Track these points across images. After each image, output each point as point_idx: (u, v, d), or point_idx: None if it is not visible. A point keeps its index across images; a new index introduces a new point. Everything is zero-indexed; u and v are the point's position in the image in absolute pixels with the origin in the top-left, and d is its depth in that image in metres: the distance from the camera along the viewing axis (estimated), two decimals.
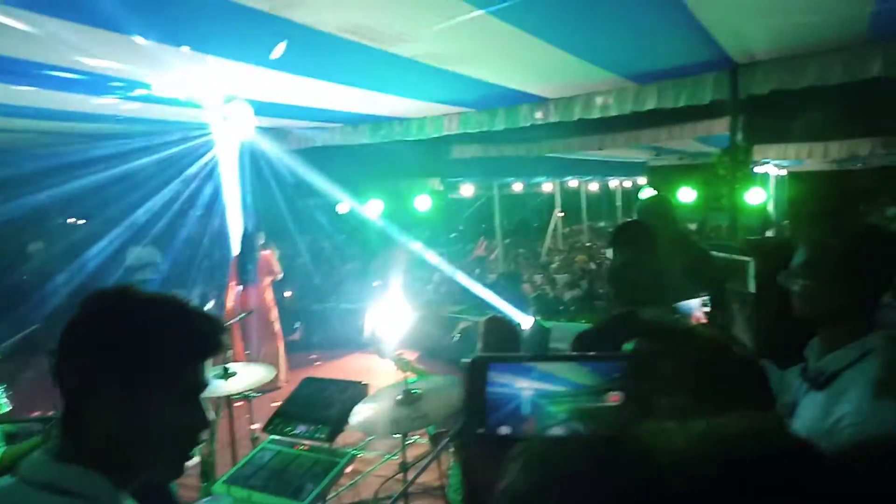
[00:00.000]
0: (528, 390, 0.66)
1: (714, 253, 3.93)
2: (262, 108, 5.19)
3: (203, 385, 0.95)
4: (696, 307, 1.88)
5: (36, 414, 3.88)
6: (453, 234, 16.26)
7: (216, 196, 6.86)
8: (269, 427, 2.88)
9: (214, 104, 4.86)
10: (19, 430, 3.68)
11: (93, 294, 0.95)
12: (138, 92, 4.50)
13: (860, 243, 1.49)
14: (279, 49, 3.55)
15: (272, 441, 2.70)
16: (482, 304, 8.85)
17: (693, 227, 10.27)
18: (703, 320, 1.79)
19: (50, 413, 3.24)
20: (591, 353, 0.69)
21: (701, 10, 3.26)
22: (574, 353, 0.70)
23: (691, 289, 2.41)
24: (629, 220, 3.07)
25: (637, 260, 2.45)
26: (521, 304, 8.54)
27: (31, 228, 8.63)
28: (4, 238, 7.26)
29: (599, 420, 0.47)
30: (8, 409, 3.48)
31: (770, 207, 10.93)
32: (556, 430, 0.47)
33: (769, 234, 8.55)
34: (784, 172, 12.70)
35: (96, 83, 4.21)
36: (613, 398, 0.63)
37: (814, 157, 8.63)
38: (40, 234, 9.59)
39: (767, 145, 8.45)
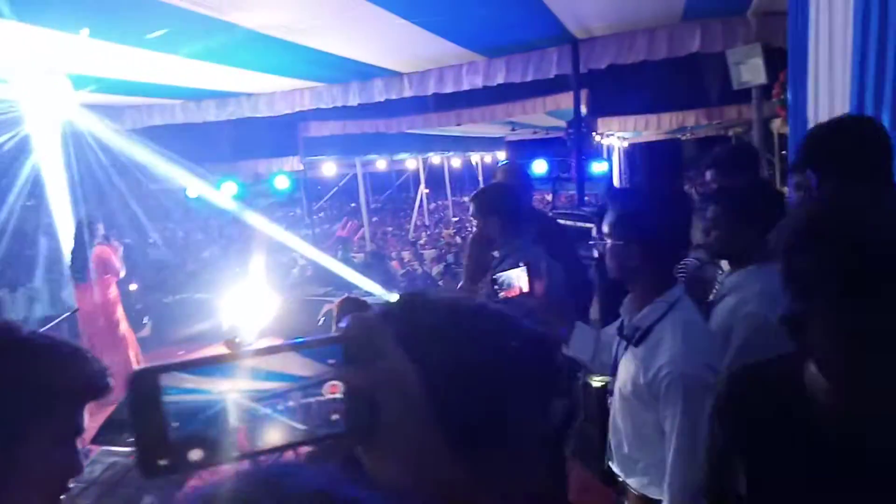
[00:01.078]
0: (231, 393, 0.53)
1: (561, 221, 4.13)
2: (85, 82, 4.64)
3: (80, 430, 0.91)
4: (516, 277, 1.89)
5: None
6: (318, 216, 15.85)
7: (38, 185, 6.09)
8: (100, 438, 2.60)
9: (23, 78, 4.25)
10: None
11: None
12: None
13: (640, 206, 1.59)
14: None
15: (104, 453, 2.44)
16: (348, 286, 8.75)
17: (548, 197, 10.80)
18: (524, 290, 1.82)
19: None
20: (292, 342, 0.57)
21: None
22: (273, 345, 0.55)
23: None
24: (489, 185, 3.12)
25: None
26: (389, 281, 8.56)
27: None
28: None
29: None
30: None
31: (615, 176, 11.76)
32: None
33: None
34: (625, 144, 13.72)
35: None
36: (332, 389, 0.54)
37: (650, 129, 9.39)
38: None
39: (610, 118, 9.05)
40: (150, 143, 6.47)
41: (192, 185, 8.55)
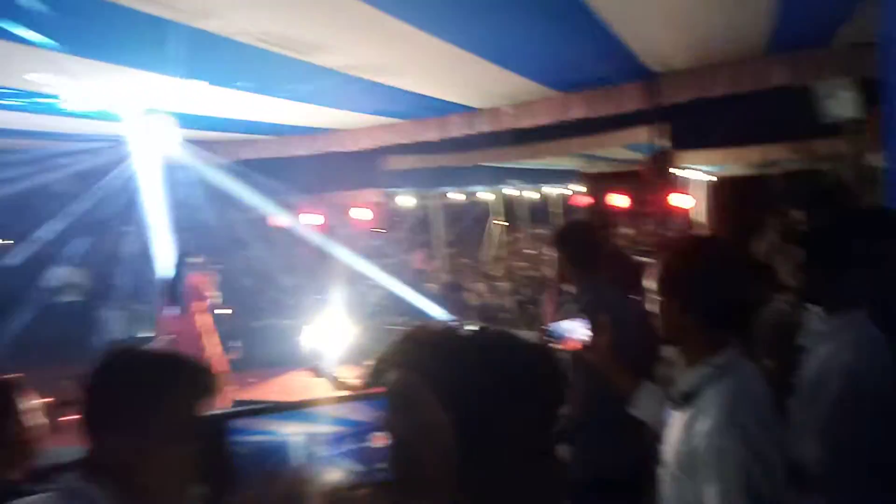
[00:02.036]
0: (294, 436, 0.58)
1: (640, 259, 4.02)
2: (186, 121, 5.01)
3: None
4: (577, 329, 1.72)
5: None
6: (395, 246, 16.17)
7: (140, 213, 6.56)
8: None
9: (133, 117, 4.65)
10: None
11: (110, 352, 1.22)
12: (47, 103, 4.27)
13: (679, 262, 1.46)
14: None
15: None
16: (424, 316, 8.83)
17: (629, 232, 10.54)
18: (581, 344, 1.68)
19: None
20: (345, 395, 0.61)
21: (615, 24, 3.36)
22: (324, 398, 0.61)
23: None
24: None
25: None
26: (463, 312, 8.57)
27: None
28: None
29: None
30: None
31: (696, 212, 11.34)
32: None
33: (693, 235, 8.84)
34: (708, 178, 13.23)
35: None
36: (376, 440, 0.57)
37: (733, 162, 9.03)
38: None
39: (691, 151, 8.77)
40: (239, 175, 6.87)
41: (277, 215, 8.98)
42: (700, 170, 11.65)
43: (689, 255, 1.49)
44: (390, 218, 14.97)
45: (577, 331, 1.73)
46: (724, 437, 1.29)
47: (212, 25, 2.94)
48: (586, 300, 2.31)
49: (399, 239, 17.26)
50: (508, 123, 5.25)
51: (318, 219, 9.15)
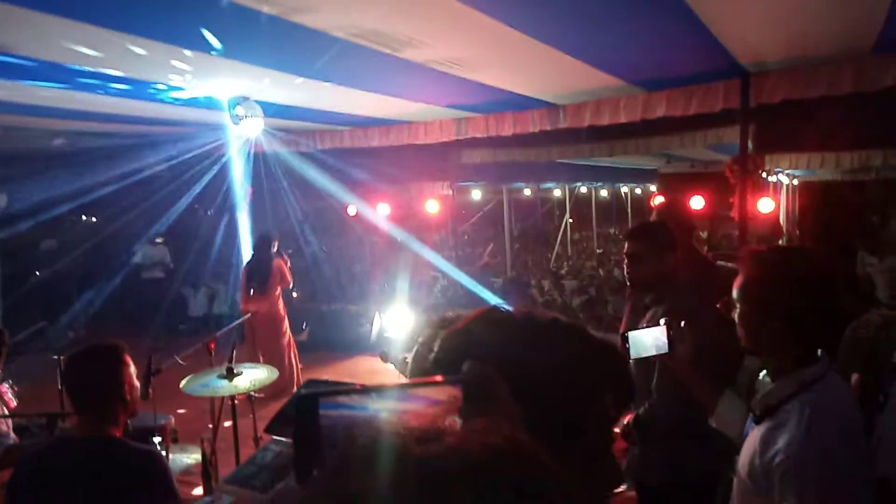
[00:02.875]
0: (380, 412, 0.61)
1: (720, 263, 3.91)
2: (272, 110, 5.23)
3: None
4: (654, 336, 1.69)
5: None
6: (464, 237, 16.28)
7: (227, 197, 6.90)
8: (270, 428, 2.90)
9: (225, 105, 4.90)
10: (28, 424, 3.74)
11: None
12: (149, 91, 4.56)
13: (768, 270, 1.41)
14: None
15: (275, 441, 2.72)
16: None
17: (703, 235, 10.21)
18: (662, 352, 1.65)
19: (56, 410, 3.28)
20: (423, 380, 0.63)
21: (711, 20, 3.26)
22: (407, 382, 0.62)
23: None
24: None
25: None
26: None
27: (42, 225, 8.74)
28: (17, 235, 7.36)
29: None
30: (15, 404, 3.53)
31: (781, 217, 10.85)
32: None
33: (781, 244, 8.48)
34: (796, 182, 12.62)
35: (108, 84, 4.27)
36: (452, 424, 0.59)
37: (826, 167, 8.56)
38: (52, 232, 9.68)
39: (780, 154, 8.38)
40: (318, 164, 7.10)
41: (352, 204, 9.22)
42: (788, 173, 11.13)
43: (778, 263, 1.45)
44: (460, 211, 15.08)
45: (657, 338, 1.72)
46: (805, 452, 1.26)
47: (306, 19, 3.06)
48: (666, 306, 2.27)
49: (467, 232, 17.38)
50: (588, 121, 5.18)
51: (391, 209, 9.33)
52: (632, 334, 1.79)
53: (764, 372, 1.49)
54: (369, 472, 0.43)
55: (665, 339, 1.72)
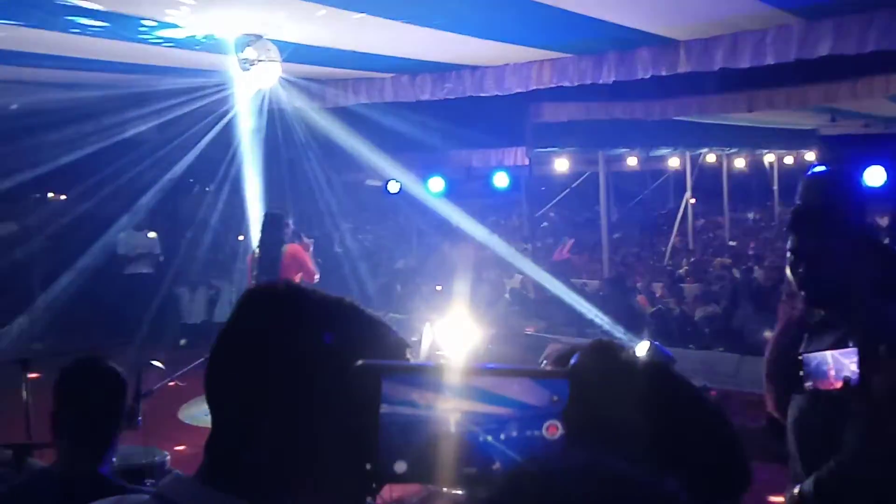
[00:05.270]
0: (450, 412, 0.64)
1: None
2: (291, 52, 5.32)
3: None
4: (839, 362, 1.66)
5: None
6: (543, 224, 16.26)
7: (231, 168, 7.04)
8: None
9: (231, 46, 5.00)
10: None
11: (255, 293, 1.02)
12: (134, 29, 4.71)
13: None
14: None
15: None
16: (577, 321, 8.83)
17: (883, 221, 9.89)
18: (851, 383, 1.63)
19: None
20: (519, 367, 0.67)
21: None
22: (505, 367, 0.67)
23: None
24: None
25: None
26: (631, 321, 8.47)
27: None
28: None
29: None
30: None
31: None
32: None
33: None
34: None
35: (79, 20, 4.44)
36: (552, 429, 0.63)
37: None
38: (9, 213, 10.10)
39: None
40: (350, 124, 7.16)
41: (393, 178, 9.29)
42: None
43: None
44: (538, 188, 15.04)
45: (841, 365, 1.70)
46: None
47: None
48: (854, 322, 2.19)
49: (548, 217, 17.35)
50: (720, 62, 5.07)
51: (444, 184, 9.38)
52: (812, 357, 1.77)
53: None
54: None
55: (856, 369, 1.71)
